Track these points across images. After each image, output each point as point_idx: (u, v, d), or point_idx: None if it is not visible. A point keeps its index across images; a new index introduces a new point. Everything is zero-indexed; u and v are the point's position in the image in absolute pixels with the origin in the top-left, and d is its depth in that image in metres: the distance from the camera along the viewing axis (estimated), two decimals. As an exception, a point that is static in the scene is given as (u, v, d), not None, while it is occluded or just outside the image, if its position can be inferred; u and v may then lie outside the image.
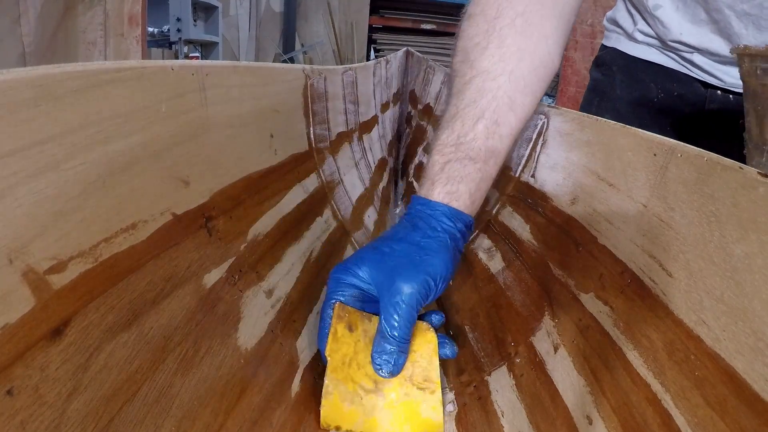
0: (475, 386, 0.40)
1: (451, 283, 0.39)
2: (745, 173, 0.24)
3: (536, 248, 0.46)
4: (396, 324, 0.34)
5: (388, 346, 0.34)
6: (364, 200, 0.78)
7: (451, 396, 0.40)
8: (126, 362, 0.24)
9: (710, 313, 0.25)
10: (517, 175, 0.54)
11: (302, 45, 3.69)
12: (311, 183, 0.57)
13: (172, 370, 0.27)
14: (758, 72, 0.24)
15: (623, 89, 0.71)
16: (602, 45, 0.76)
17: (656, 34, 0.65)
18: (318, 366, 0.39)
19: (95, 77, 0.23)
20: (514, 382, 0.38)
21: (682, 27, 0.60)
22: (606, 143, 0.39)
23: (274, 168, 0.47)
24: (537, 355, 0.38)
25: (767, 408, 0.21)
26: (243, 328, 0.34)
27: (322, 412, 0.34)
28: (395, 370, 0.35)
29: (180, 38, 2.70)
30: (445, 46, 3.70)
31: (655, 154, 0.32)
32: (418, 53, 1.81)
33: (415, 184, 1.00)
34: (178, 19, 2.67)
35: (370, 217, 0.76)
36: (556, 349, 0.36)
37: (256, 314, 0.36)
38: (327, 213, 0.59)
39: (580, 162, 0.43)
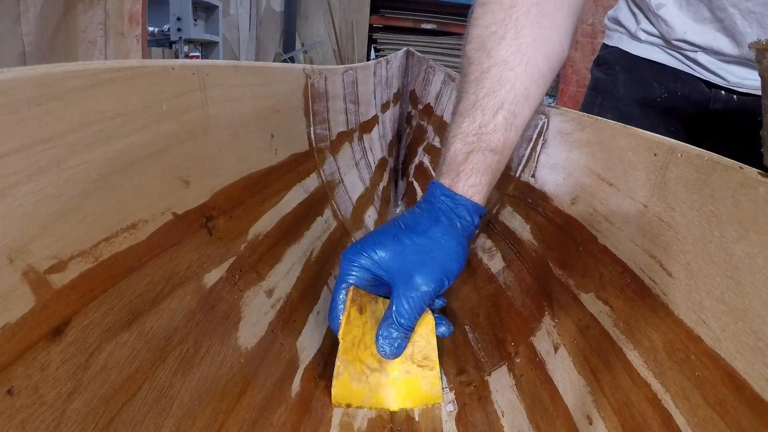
0: (475, 386, 0.40)
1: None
2: (746, 173, 0.24)
3: (536, 248, 0.46)
4: (406, 315, 0.36)
5: (395, 332, 0.36)
6: (365, 200, 0.78)
7: (451, 396, 0.40)
8: (126, 362, 0.24)
9: (710, 313, 0.25)
10: (517, 175, 0.54)
11: (302, 44, 3.69)
12: (312, 183, 0.57)
13: (172, 370, 0.27)
14: (778, 67, 0.24)
15: (626, 89, 0.71)
16: (603, 44, 0.76)
17: (660, 33, 0.64)
18: (318, 366, 0.39)
19: (96, 76, 0.23)
20: (514, 382, 0.38)
21: (686, 26, 0.60)
22: (606, 143, 0.39)
23: (274, 168, 0.47)
24: (537, 355, 0.38)
25: (767, 408, 0.21)
26: (243, 328, 0.34)
27: (333, 391, 0.36)
28: (398, 353, 0.36)
29: (180, 37, 2.70)
30: (446, 46, 3.70)
31: (655, 154, 0.32)
32: (418, 53, 1.81)
33: (415, 184, 1.00)
34: (179, 19, 2.67)
35: (371, 216, 0.76)
36: (556, 349, 0.36)
37: (257, 314, 0.36)
38: (327, 213, 0.59)
39: (580, 162, 0.43)
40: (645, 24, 0.66)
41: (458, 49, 0.48)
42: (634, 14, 0.68)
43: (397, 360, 0.38)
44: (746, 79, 0.60)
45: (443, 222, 0.38)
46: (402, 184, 1.14)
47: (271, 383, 0.34)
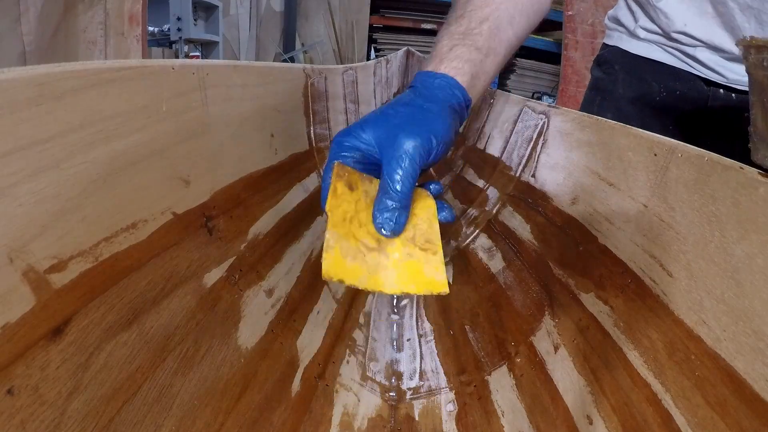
0: (475, 386, 0.40)
1: (451, 281, 0.39)
2: (746, 173, 0.24)
3: (536, 248, 0.46)
4: (399, 178, 0.34)
5: (390, 202, 0.34)
6: (365, 200, 0.77)
7: (451, 396, 0.40)
8: (126, 362, 0.24)
9: (711, 313, 0.25)
10: (517, 174, 0.54)
11: (302, 44, 3.69)
12: (311, 182, 0.57)
13: (172, 370, 0.27)
14: (765, 64, 0.24)
15: (625, 88, 0.71)
16: (604, 44, 0.76)
17: (659, 27, 0.65)
18: (318, 366, 0.39)
19: (96, 76, 0.23)
20: (514, 382, 0.38)
21: (687, 18, 0.61)
22: (606, 143, 0.39)
23: (274, 167, 0.47)
24: (537, 354, 0.38)
25: (767, 408, 0.21)
26: (243, 328, 0.34)
27: (323, 264, 0.33)
28: (397, 229, 0.35)
29: (180, 37, 2.70)
30: (446, 46, 3.69)
31: (655, 154, 0.32)
32: (418, 53, 1.81)
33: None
34: (179, 19, 2.67)
35: (371, 216, 0.76)
36: (556, 349, 0.36)
37: (257, 314, 0.36)
38: (327, 212, 0.59)
39: (580, 162, 0.43)
40: (644, 21, 0.67)
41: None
42: (632, 12, 0.69)
43: (398, 242, 0.36)
44: (744, 77, 0.60)
45: (425, 94, 0.40)
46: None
47: (271, 383, 0.34)
